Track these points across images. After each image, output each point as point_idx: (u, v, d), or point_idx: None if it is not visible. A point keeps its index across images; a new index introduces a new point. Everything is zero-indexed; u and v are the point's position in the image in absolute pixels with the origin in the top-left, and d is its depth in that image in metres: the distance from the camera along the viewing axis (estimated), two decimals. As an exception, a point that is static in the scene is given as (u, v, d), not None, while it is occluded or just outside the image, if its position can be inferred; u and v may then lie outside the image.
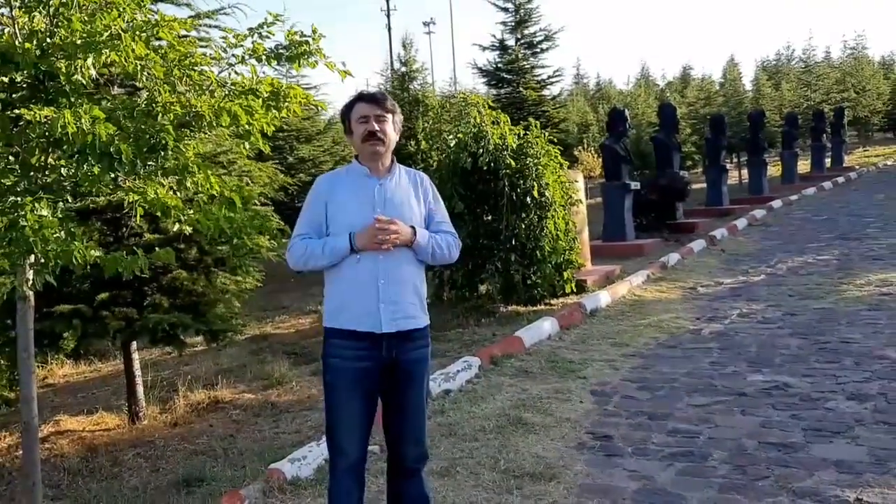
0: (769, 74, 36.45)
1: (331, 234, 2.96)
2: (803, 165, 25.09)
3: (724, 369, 5.84)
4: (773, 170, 24.06)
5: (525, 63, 18.71)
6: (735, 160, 27.08)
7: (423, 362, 3.00)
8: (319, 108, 5.82)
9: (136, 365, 5.85)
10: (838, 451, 4.15)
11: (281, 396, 6.12)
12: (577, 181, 10.08)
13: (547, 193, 8.34)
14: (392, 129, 3.04)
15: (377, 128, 2.98)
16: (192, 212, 3.79)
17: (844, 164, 26.30)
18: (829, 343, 6.33)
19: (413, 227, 2.96)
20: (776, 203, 17.68)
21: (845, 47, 46.75)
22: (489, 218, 8.49)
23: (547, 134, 9.02)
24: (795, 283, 9.03)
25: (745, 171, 22.85)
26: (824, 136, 25.52)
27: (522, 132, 8.59)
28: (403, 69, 17.39)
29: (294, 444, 4.71)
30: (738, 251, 12.01)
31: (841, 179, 22.52)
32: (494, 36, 19.09)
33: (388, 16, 43.06)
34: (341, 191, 3.02)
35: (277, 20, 4.06)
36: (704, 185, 18.98)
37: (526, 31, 18.87)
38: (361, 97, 3.06)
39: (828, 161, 25.74)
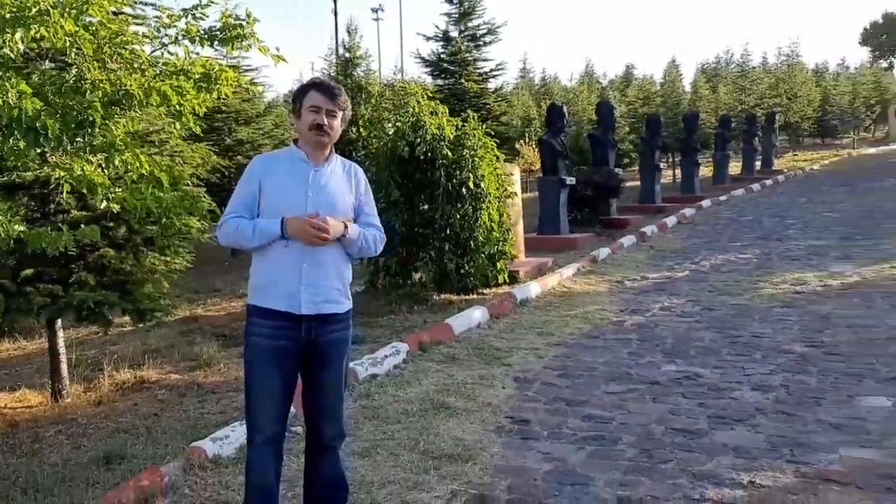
0: (708, 77, 37.45)
1: (261, 215, 3.02)
2: (735, 167, 25.88)
3: (641, 359, 6.09)
4: (706, 170, 24.76)
5: (468, 55, 18.85)
6: (670, 160, 27.74)
7: (342, 345, 3.09)
8: (256, 92, 5.82)
9: (61, 343, 5.78)
10: (738, 437, 4.40)
11: (208, 377, 6.13)
12: (512, 174, 10.27)
13: (482, 185, 8.48)
14: (339, 124, 3.12)
15: (326, 122, 3.04)
16: (119, 190, 3.80)
17: (774, 168, 27.27)
18: (741, 337, 6.65)
19: (345, 223, 3.03)
20: (706, 203, 18.27)
21: (780, 54, 48.17)
22: (425, 207, 8.60)
23: (485, 126, 9.17)
24: (716, 280, 9.40)
25: (678, 171, 23.48)
26: (756, 139, 26.40)
27: (460, 124, 8.72)
28: (347, 55, 17.35)
29: (218, 424, 4.75)
30: (665, 248, 12.40)
31: (769, 182, 23.35)
32: (438, 27, 19.19)
33: (335, 0, 42.61)
34: (276, 173, 3.07)
35: (213, 2, 4.09)
36: (639, 182, 19.46)
37: (469, 24, 19.01)
38: (317, 86, 3.11)
39: (758, 164, 26.64)
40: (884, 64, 44.51)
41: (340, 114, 3.09)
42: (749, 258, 10.98)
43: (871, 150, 36.27)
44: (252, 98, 13.37)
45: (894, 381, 5.27)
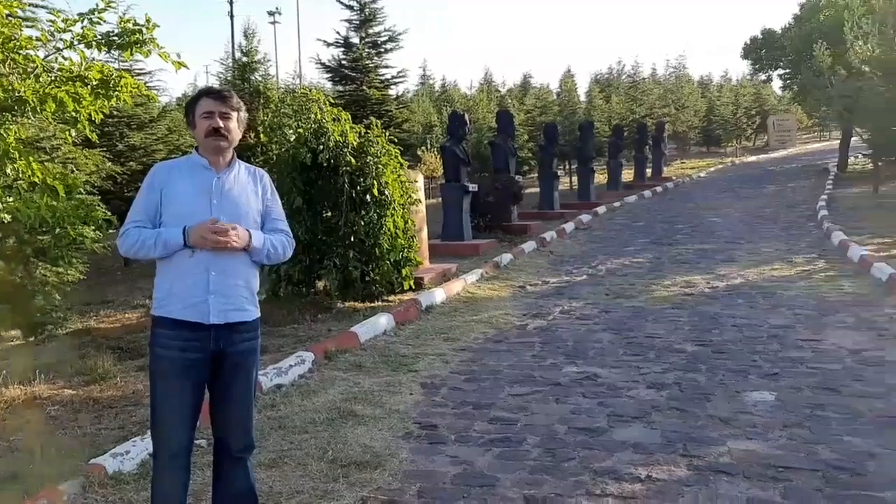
0: (601, 87, 38.64)
1: (164, 225, 2.98)
2: (627, 174, 26.87)
3: (544, 362, 6.28)
4: (601, 177, 25.61)
5: (369, 62, 18.83)
6: (567, 167, 28.53)
7: (252, 354, 3.09)
8: (151, 97, 5.64)
9: (-58, 360, 5.46)
10: (636, 434, 4.61)
11: (104, 392, 5.91)
12: (416, 181, 10.37)
13: (387, 192, 8.52)
14: (236, 126, 3.09)
15: (221, 124, 3.02)
16: (11, 199, 3.65)
17: (663, 175, 28.45)
18: (636, 338, 6.95)
19: (249, 232, 3.01)
20: (601, 209, 18.92)
21: (668, 66, 50.45)
22: (328, 214, 8.57)
23: (388, 133, 9.22)
24: (612, 283, 9.77)
25: (575, 178, 24.19)
26: (647, 147, 27.50)
27: (364, 131, 8.73)
28: (245, 59, 17.03)
29: (118, 440, 4.61)
30: (564, 253, 12.79)
31: (659, 189, 24.40)
32: (339, 33, 19.07)
33: (231, 2, 41.76)
34: (178, 181, 3.03)
35: (110, 6, 3.99)
36: (538, 189, 19.93)
37: (371, 31, 18.99)
38: (207, 93, 3.09)
39: (649, 171, 27.76)
40: (763, 77, 47.17)
41: (235, 115, 3.08)
42: (642, 262, 11.45)
43: (752, 158, 38.39)
44: (145, 102, 12.93)
45: (776, 376, 5.65)
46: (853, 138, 25.58)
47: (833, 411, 4.87)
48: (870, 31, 20.74)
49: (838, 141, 28.77)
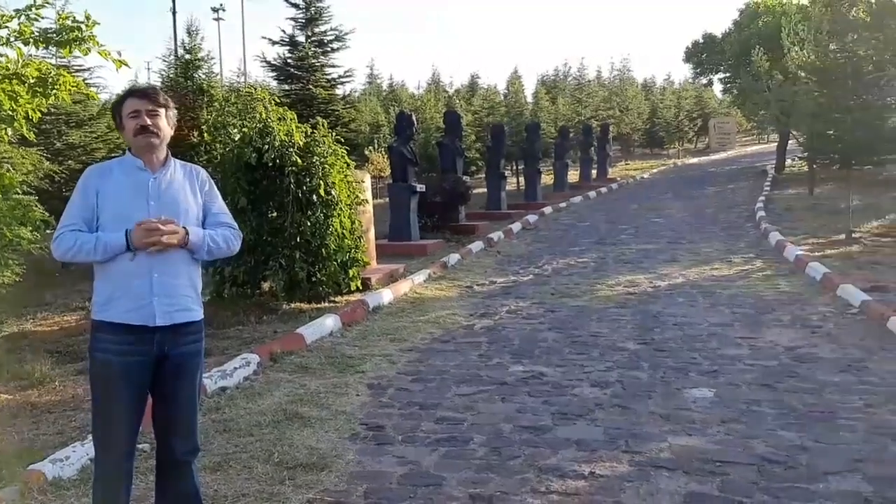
0: (547, 89, 39.02)
1: (101, 228, 2.92)
2: (573, 175, 27.22)
3: (490, 361, 6.35)
4: (547, 178, 25.90)
5: (315, 61, 18.70)
6: (514, 168, 28.76)
7: (196, 356, 3.06)
8: (91, 97, 5.51)
9: None
10: (579, 431, 4.71)
11: (42, 397, 5.77)
12: (363, 181, 10.35)
13: (333, 192, 8.50)
14: (165, 123, 3.05)
15: (149, 122, 2.98)
16: (-58, 200, 3.54)
17: (608, 176, 28.93)
18: (580, 337, 7.07)
19: (185, 229, 2.98)
20: (547, 209, 19.16)
21: (613, 69, 51.19)
22: (274, 215, 8.50)
23: (335, 133, 9.19)
24: (558, 283, 9.91)
25: (522, 178, 24.43)
26: (592, 149, 27.93)
27: (310, 130, 8.69)
28: (188, 56, 16.73)
29: (57, 446, 4.50)
30: (511, 253, 12.92)
31: (604, 189, 24.82)
32: (284, 31, 18.89)
33: (174, -2, 40.87)
34: (113, 183, 2.98)
35: (47, 2, 3.91)
36: (486, 189, 20.06)
37: (317, 30, 18.85)
38: (132, 93, 3.06)
39: (594, 172, 28.18)
40: (704, 80, 48.22)
41: (163, 111, 3.04)
42: (587, 262, 11.64)
43: (694, 160, 39.31)
44: (85, 100, 12.61)
45: (715, 373, 5.82)
46: (790, 141, 26.39)
47: (768, 407, 5.04)
48: (806, 38, 21.45)
49: (776, 144, 29.63)
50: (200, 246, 3.03)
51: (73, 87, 3.81)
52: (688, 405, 5.12)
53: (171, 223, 2.93)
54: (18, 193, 5.04)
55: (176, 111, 3.17)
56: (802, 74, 21.14)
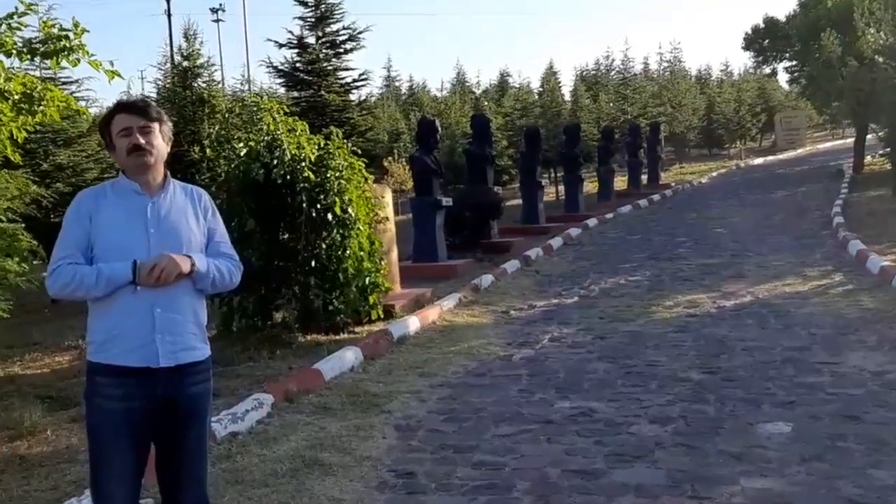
0: (588, 85, 39.08)
1: (95, 259, 2.95)
2: (620, 182, 27.17)
3: (533, 397, 6.32)
4: (590, 186, 25.88)
5: (327, 64, 18.92)
6: (552, 175, 28.76)
7: (205, 398, 3.09)
8: (81, 110, 5.61)
9: None
10: (638, 475, 4.66)
11: (32, 448, 5.84)
12: (384, 197, 10.42)
13: (350, 210, 8.55)
14: (160, 139, 3.07)
15: (142, 140, 3.00)
16: (-78, 231, 3.63)
17: (660, 182, 28.85)
18: (635, 366, 7.02)
19: (191, 257, 3.01)
20: (592, 221, 19.11)
21: (662, 60, 51.09)
22: (285, 237, 8.57)
23: (351, 144, 9.26)
24: (607, 306, 9.86)
25: (562, 187, 24.40)
26: (641, 151, 27.85)
27: (323, 142, 8.77)
28: (186, 63, 17.03)
29: (50, 502, 4.56)
30: (552, 272, 12.89)
31: (656, 197, 24.71)
32: (292, 32, 19.13)
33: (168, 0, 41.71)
34: (108, 209, 3.01)
35: (31, 9, 4.00)
36: (520, 201, 20.07)
37: (328, 29, 19.08)
38: (121, 107, 3.08)
39: (644, 178, 28.08)
40: (767, 70, 47.94)
41: (157, 126, 3.06)
42: (640, 280, 11.57)
43: (759, 161, 39.02)
44: (73, 115, 12.87)
45: (792, 405, 5.73)
46: (868, 136, 26.07)
47: (855, 442, 4.95)
48: (882, 18, 21.22)
49: (853, 139, 29.31)
50: (206, 275, 3.06)
51: (61, 102, 3.89)
52: (762, 442, 5.05)
53: (171, 257, 2.94)
54: (3, 221, 5.14)
55: (171, 125, 3.21)
56: (880, 59, 20.89)
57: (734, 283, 10.69)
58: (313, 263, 8.34)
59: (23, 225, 6.37)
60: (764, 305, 9.26)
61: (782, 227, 16.40)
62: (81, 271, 2.92)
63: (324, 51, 18.95)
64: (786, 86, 49.69)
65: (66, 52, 3.97)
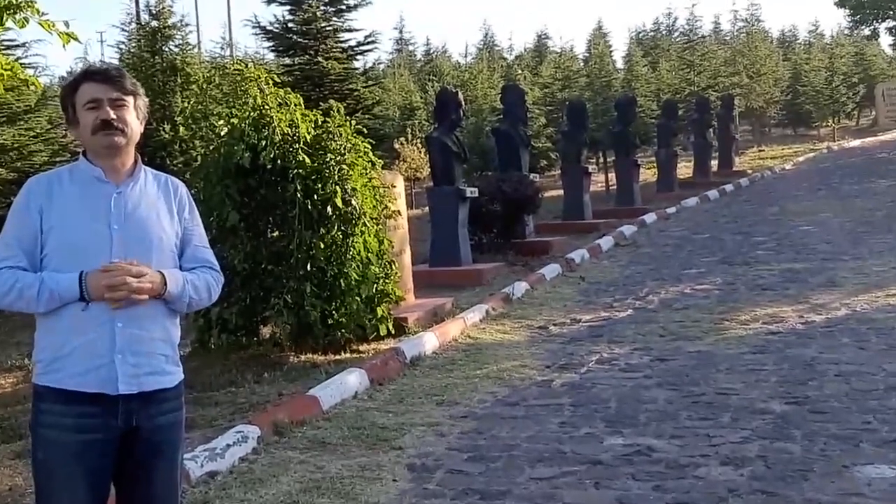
0: (645, 50, 39.18)
1: (46, 262, 2.95)
2: (685, 168, 27.06)
3: (577, 431, 6.29)
4: (648, 173, 25.79)
5: (326, 24, 18.92)
6: (601, 160, 28.70)
7: (174, 431, 3.09)
8: (31, 83, 5.63)
9: None
10: (707, 528, 4.63)
11: (-31, 489, 5.90)
12: (395, 186, 10.42)
13: (354, 202, 8.55)
14: (134, 116, 3.07)
15: (113, 115, 2.99)
16: None
17: (734, 168, 28.71)
18: (703, 395, 6.98)
19: (162, 274, 2.99)
20: (649, 217, 19.07)
21: (736, 19, 50.91)
22: (275, 234, 8.60)
23: (355, 121, 9.28)
24: (668, 320, 9.82)
25: (612, 175, 24.35)
26: (710, 131, 27.72)
27: (321, 119, 8.78)
28: (154, 24, 17.12)
29: (-11, 556, 4.60)
30: (601, 279, 12.87)
31: (729, 187, 24.59)
32: (282, -15, 19.18)
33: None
34: (63, 200, 3.00)
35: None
36: (561, 191, 20.01)
37: (327, -18, 19.15)
38: (89, 75, 3.07)
39: (715, 163, 27.95)
40: (866, 31, 47.68)
41: (131, 101, 3.06)
42: (709, 289, 11.52)
43: (856, 143, 38.75)
44: (19, 86, 12.95)
45: (897, 443, 5.68)
46: None
47: (977, 490, 4.90)
48: None
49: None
50: (180, 296, 3.05)
51: (5, 70, 3.92)
52: (860, 488, 5.00)
53: (142, 269, 2.92)
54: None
55: (147, 101, 3.21)
56: None
57: (825, 294, 10.62)
58: (309, 267, 8.36)
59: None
60: (862, 321, 9.19)
61: (885, 225, 16.26)
62: (23, 280, 2.91)
63: (322, 7, 18.96)
64: (889, 50, 49.32)
65: (11, 11, 3.98)
